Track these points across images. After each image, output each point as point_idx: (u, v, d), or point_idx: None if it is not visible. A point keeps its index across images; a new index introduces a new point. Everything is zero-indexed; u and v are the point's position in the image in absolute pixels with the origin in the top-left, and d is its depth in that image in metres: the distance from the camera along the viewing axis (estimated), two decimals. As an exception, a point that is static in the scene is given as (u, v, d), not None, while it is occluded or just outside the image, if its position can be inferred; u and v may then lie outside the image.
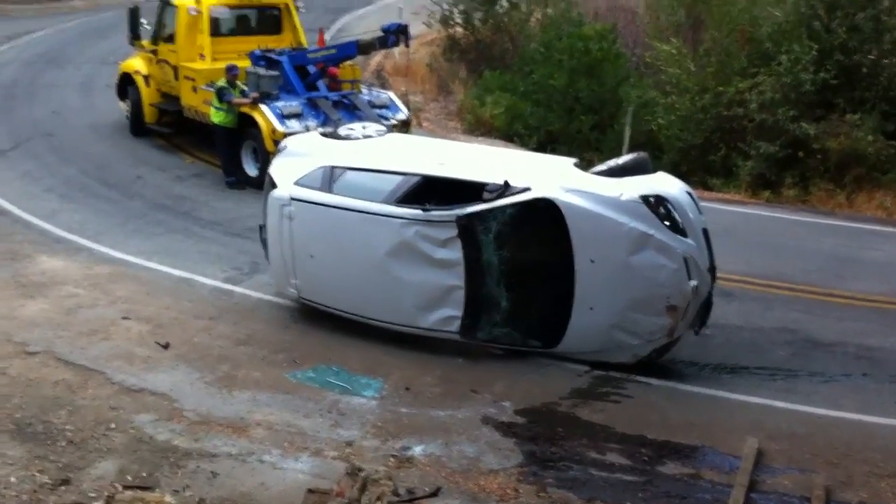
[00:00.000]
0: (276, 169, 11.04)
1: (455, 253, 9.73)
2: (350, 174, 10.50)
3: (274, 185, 10.74)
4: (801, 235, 15.05)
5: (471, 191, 9.83)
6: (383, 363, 9.79)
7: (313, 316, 10.82)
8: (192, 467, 7.64)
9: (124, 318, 10.52)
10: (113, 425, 8.19)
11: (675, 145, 20.14)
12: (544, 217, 9.47)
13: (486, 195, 9.69)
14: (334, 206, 10.20)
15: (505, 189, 9.67)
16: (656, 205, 9.34)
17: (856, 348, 10.63)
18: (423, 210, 9.81)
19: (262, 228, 11.22)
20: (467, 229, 9.65)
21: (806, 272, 12.99)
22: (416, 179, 10.19)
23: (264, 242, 11.17)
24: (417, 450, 8.14)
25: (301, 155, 11.13)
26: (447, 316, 9.89)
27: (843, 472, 8.05)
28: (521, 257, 9.67)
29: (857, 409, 9.20)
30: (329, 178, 10.47)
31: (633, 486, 7.77)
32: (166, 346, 9.85)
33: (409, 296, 9.95)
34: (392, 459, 7.95)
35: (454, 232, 9.69)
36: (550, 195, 9.48)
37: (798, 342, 10.76)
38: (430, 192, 10.07)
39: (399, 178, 10.26)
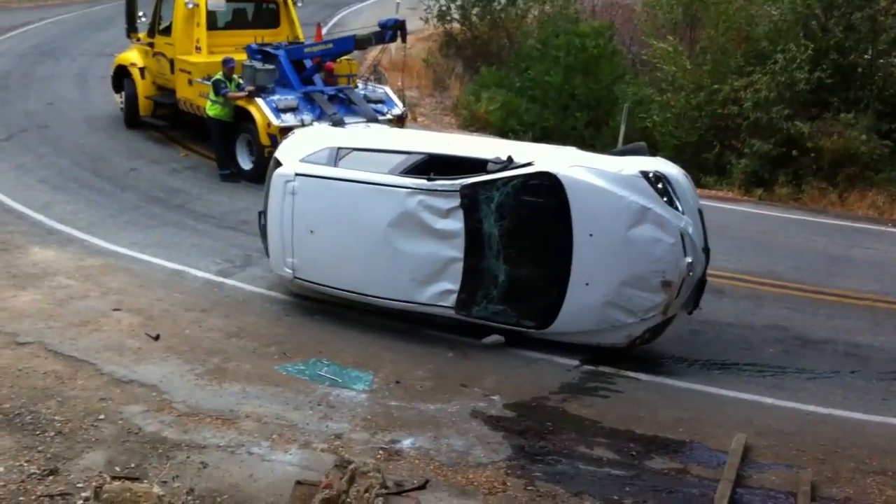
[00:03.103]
0: (282, 151, 11.22)
1: (456, 223, 9.84)
2: (356, 153, 10.71)
3: (278, 165, 10.86)
4: (793, 233, 15.10)
5: (475, 168, 9.99)
6: (374, 357, 9.80)
7: (305, 309, 10.86)
8: (181, 458, 7.64)
9: (115, 309, 10.53)
10: (102, 416, 8.18)
11: (669, 143, 20.20)
12: (546, 190, 9.60)
13: (490, 167, 9.87)
14: (339, 179, 10.35)
15: (509, 163, 9.84)
16: (655, 180, 9.47)
17: (845, 346, 10.68)
18: (428, 179, 9.94)
19: (261, 215, 11.26)
20: (470, 199, 9.77)
21: (797, 270, 13.05)
22: (420, 157, 10.43)
23: (263, 230, 11.21)
24: (406, 443, 8.15)
25: (307, 140, 11.36)
26: (444, 290, 9.96)
27: (830, 468, 8.08)
28: (522, 230, 9.75)
29: (844, 406, 9.24)
30: (335, 156, 10.68)
31: (620, 480, 7.78)
32: (157, 338, 9.85)
33: (408, 268, 10.02)
34: (381, 452, 7.95)
35: (457, 202, 9.80)
36: (552, 169, 9.62)
37: (788, 339, 10.80)
38: (434, 170, 10.19)
39: (404, 156, 10.50)
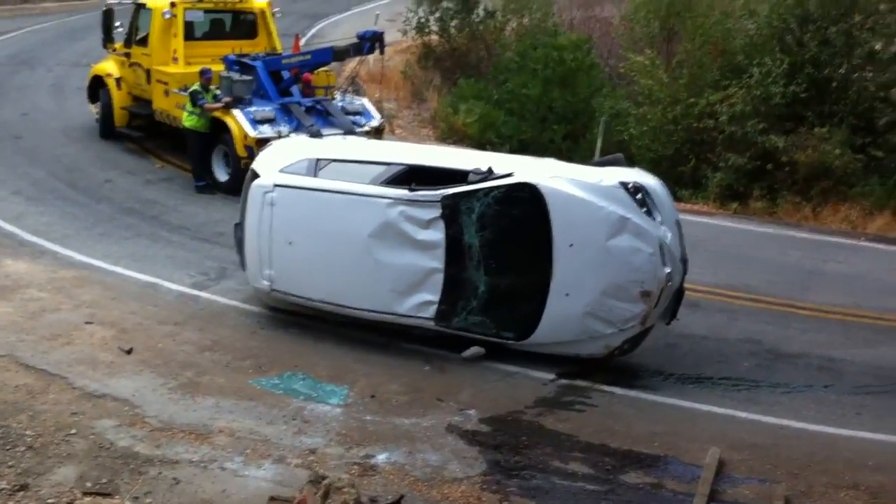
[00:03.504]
0: (259, 162, 11.18)
1: (437, 234, 9.87)
2: (335, 164, 10.72)
3: (255, 176, 10.81)
4: (767, 247, 15.19)
5: (455, 179, 10.04)
6: (350, 370, 9.77)
7: (280, 322, 10.81)
8: (153, 474, 7.57)
9: (88, 322, 10.44)
10: (73, 431, 8.10)
11: (646, 156, 20.28)
12: (526, 201, 9.67)
13: (471, 177, 9.94)
14: (319, 190, 10.35)
15: (489, 174, 9.91)
16: (634, 191, 9.57)
17: (818, 360, 10.73)
18: (410, 190, 9.97)
19: (237, 227, 11.20)
20: (451, 210, 9.82)
21: (771, 284, 13.10)
22: (400, 168, 10.45)
23: (239, 242, 11.14)
24: (381, 458, 8.12)
25: (285, 151, 11.34)
26: (424, 301, 9.97)
27: (804, 482, 8.11)
28: (502, 241, 9.81)
29: (818, 421, 9.28)
30: (314, 167, 10.67)
31: (595, 494, 7.77)
32: (129, 352, 9.76)
33: (388, 279, 10.01)
34: (356, 467, 7.92)
35: (438, 212, 9.84)
36: (532, 180, 9.70)
37: (762, 353, 10.84)
38: (414, 181, 10.22)
39: (384, 167, 10.52)
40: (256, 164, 11.14)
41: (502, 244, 9.80)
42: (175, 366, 9.58)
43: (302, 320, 10.76)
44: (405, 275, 9.97)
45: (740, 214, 17.76)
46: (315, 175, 10.58)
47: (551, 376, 9.84)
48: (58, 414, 8.39)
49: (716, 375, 10.16)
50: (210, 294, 11.62)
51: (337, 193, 10.23)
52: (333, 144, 12.13)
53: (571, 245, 9.51)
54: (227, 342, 10.28)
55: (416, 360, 10.08)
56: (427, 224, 9.90)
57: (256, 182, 10.69)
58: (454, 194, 9.83)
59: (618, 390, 9.67)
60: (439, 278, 9.91)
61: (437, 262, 9.90)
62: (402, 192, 9.98)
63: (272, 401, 9.01)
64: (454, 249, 9.85)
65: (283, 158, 10.98)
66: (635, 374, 10.05)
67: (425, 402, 9.19)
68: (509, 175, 9.85)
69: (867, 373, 10.45)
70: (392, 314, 10.12)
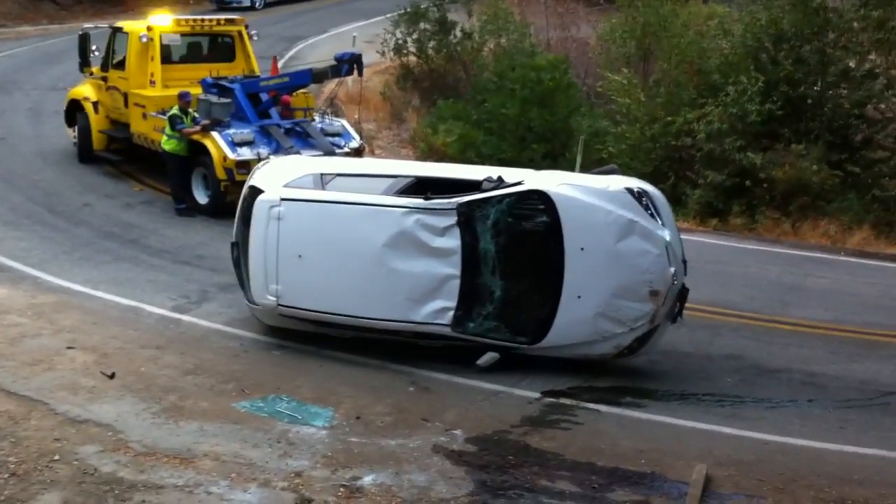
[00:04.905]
0: (258, 179, 11.13)
1: (453, 241, 10.03)
2: (341, 179, 10.88)
3: (257, 192, 10.71)
4: (747, 263, 15.29)
5: (468, 188, 10.29)
6: (335, 392, 9.72)
7: (263, 345, 10.77)
8: (138, 500, 7.49)
9: (69, 347, 10.34)
10: (57, 457, 8.01)
11: (625, 174, 20.32)
12: (538, 207, 9.96)
13: (484, 185, 10.22)
14: (330, 202, 10.45)
15: (500, 182, 10.20)
16: (639, 196, 9.95)
17: (801, 375, 10.77)
18: (425, 198, 10.13)
19: (234, 246, 11.14)
20: (466, 217, 10.01)
21: (752, 300, 13.19)
22: (409, 180, 10.68)
23: (236, 261, 11.09)
24: (367, 480, 8.06)
25: (283, 168, 11.42)
26: (440, 308, 10.05)
27: (790, 497, 8.11)
28: (516, 246, 10.04)
29: (802, 435, 9.30)
30: (320, 181, 10.78)
31: (582, 513, 7.78)
32: (112, 377, 9.67)
33: (404, 288, 10.08)
34: (342, 490, 7.86)
35: (454, 220, 10.01)
36: (543, 187, 10.02)
37: (745, 369, 10.89)
38: (420, 192, 10.36)
39: (391, 179, 10.73)
40: (255, 181, 11.07)
41: (516, 249, 10.05)
42: (157, 390, 9.49)
43: (285, 342, 10.72)
44: (421, 282, 10.07)
45: (720, 231, 17.90)
46: (322, 189, 10.66)
47: (536, 395, 9.85)
48: (40, 440, 8.29)
49: (700, 392, 10.20)
50: (192, 317, 11.55)
51: (349, 205, 10.34)
52: (330, 161, 12.46)
53: (582, 249, 9.82)
54: (209, 365, 10.20)
55: (401, 380, 10.06)
56: (443, 231, 10.06)
57: (262, 197, 10.58)
58: (470, 202, 10.06)
59: (603, 408, 9.68)
60: (455, 284, 10.05)
61: (453, 268, 10.04)
62: (417, 201, 10.13)
63: (257, 424, 8.94)
64: (470, 255, 10.04)
65: (284, 174, 11.01)
66: (620, 392, 10.06)
67: (411, 423, 9.15)
68: (519, 183, 10.12)
69: (850, 387, 10.51)
70: (407, 322, 10.15)
